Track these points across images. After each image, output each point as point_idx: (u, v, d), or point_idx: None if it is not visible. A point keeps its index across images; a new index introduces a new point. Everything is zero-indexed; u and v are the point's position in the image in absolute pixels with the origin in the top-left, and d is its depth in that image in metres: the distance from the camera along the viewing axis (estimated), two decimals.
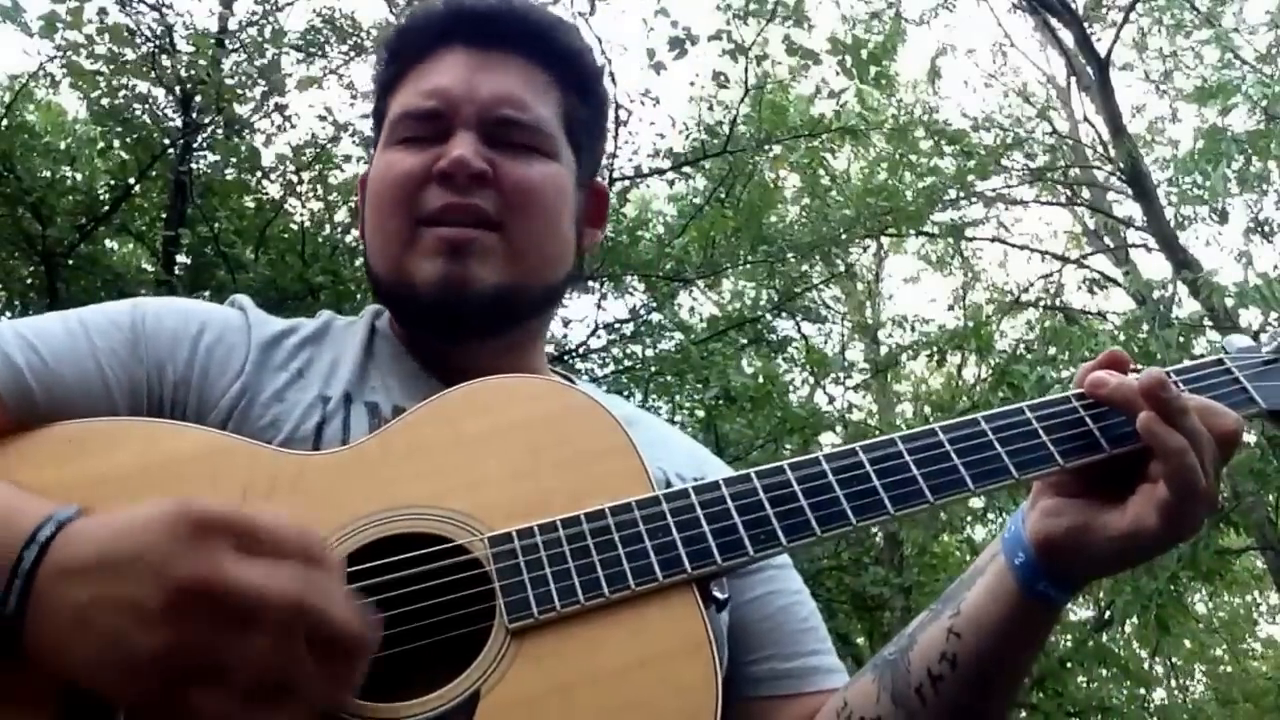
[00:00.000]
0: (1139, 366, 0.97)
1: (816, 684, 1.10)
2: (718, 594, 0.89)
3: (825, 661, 1.13)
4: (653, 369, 8.55)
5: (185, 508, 0.73)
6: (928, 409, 12.06)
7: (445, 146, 1.08)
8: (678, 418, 9.08)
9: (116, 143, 7.19)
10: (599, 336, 8.34)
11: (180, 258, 7.19)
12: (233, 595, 0.70)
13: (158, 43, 6.90)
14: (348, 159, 7.86)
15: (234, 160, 7.12)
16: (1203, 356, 1.04)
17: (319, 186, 7.61)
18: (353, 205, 7.77)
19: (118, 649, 0.71)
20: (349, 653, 0.74)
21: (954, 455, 0.93)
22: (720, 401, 8.22)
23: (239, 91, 6.80)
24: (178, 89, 6.80)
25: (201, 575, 0.70)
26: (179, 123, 7.00)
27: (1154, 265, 12.62)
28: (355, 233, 8.22)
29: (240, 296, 1.17)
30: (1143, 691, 14.15)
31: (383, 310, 1.19)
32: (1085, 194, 13.26)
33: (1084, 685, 11.78)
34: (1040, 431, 0.94)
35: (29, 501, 0.80)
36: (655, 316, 9.17)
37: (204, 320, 1.07)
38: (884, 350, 13.04)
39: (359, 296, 6.73)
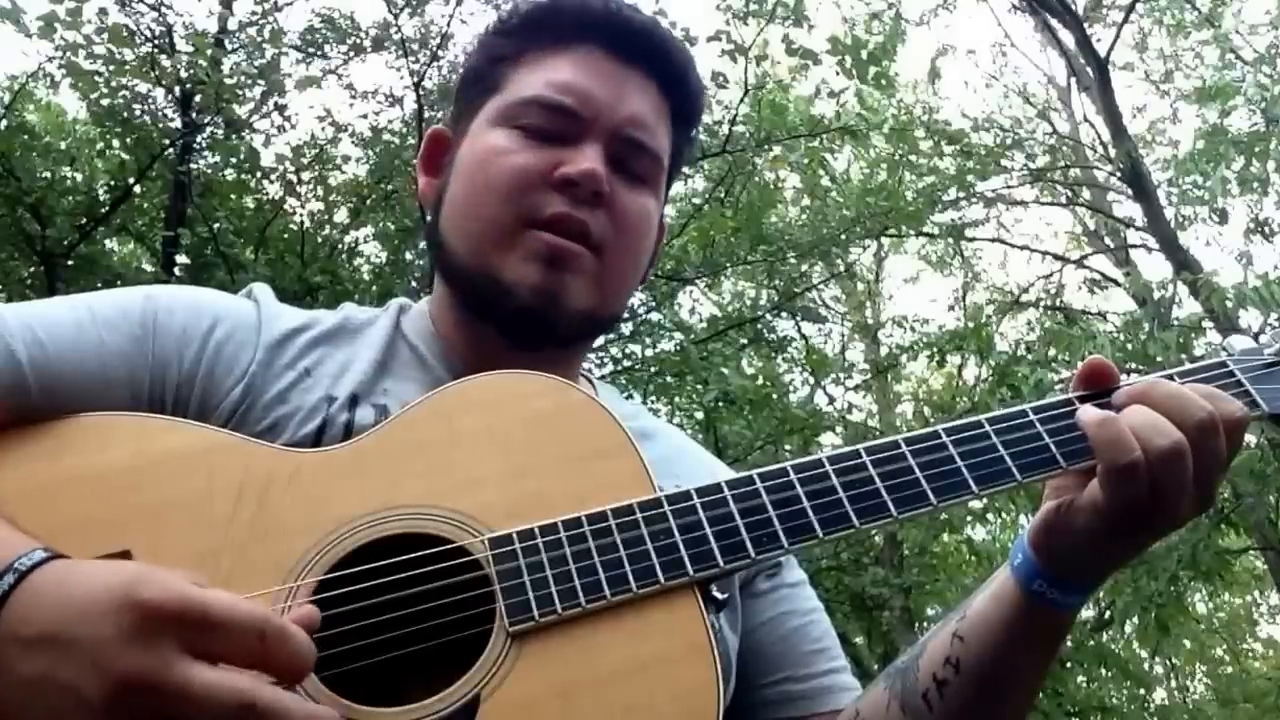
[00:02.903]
0: (1136, 367, 0.96)
1: (830, 703, 1.09)
2: (718, 595, 0.89)
3: (839, 680, 1.12)
4: (652, 369, 8.55)
5: (133, 595, 0.69)
6: (928, 409, 12.06)
7: (572, 152, 1.04)
8: (676, 418, 9.08)
9: (116, 143, 7.20)
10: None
11: (180, 258, 7.18)
12: (175, 698, 0.67)
13: (157, 43, 6.90)
14: (347, 159, 7.87)
15: (233, 160, 7.13)
16: (1203, 357, 1.03)
17: (318, 186, 7.61)
18: (352, 205, 7.77)
19: None
20: None
21: (957, 458, 0.92)
22: (719, 403, 8.22)
23: (239, 91, 6.80)
24: (177, 89, 6.81)
25: (144, 673, 0.67)
26: (179, 123, 7.00)
27: (1154, 266, 12.65)
28: (355, 233, 8.23)
29: (257, 286, 1.13)
30: (1143, 692, 14.15)
31: (408, 307, 1.16)
32: (1085, 194, 13.25)
33: (1084, 685, 11.79)
34: (1044, 434, 0.93)
35: None
36: (655, 316, 9.16)
37: (216, 315, 1.04)
38: (884, 350, 13.04)
39: (357, 297, 6.72)
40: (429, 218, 1.14)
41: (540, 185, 1.04)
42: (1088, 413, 0.90)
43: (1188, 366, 1.00)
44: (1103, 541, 0.89)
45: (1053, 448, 0.93)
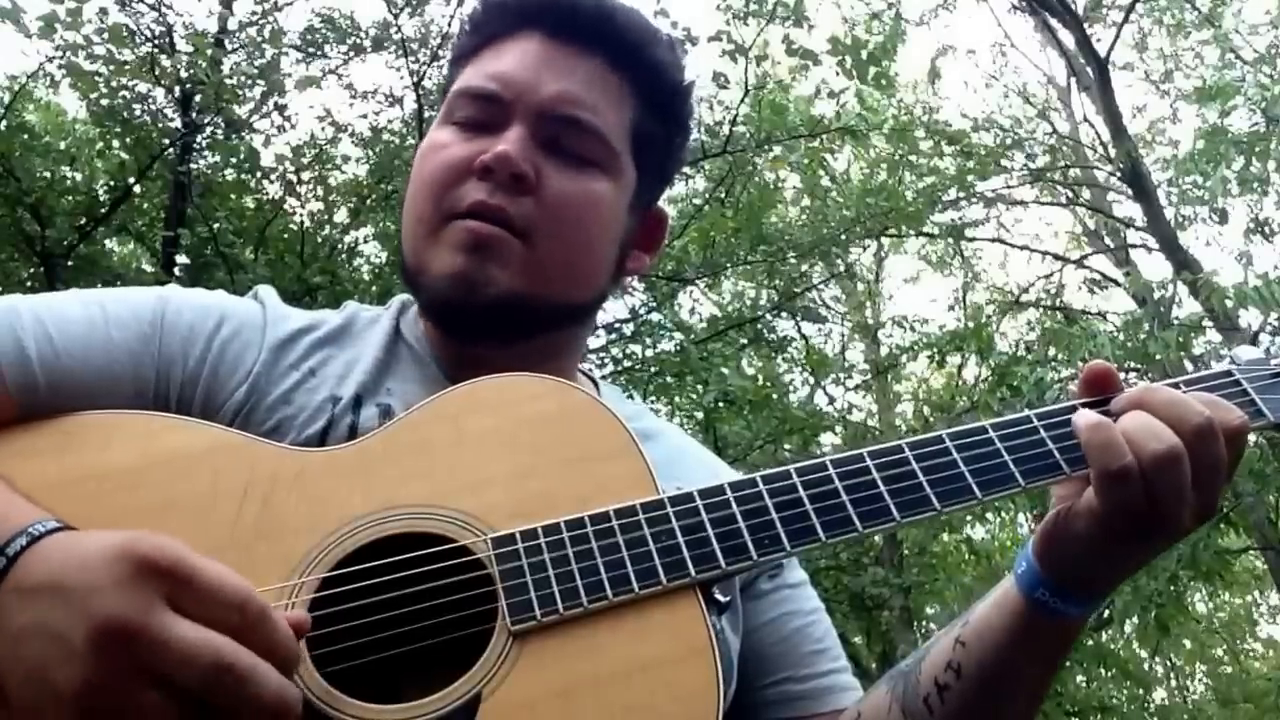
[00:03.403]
0: (1137, 367, 0.97)
1: (830, 703, 1.09)
2: (720, 596, 0.89)
3: (839, 680, 1.12)
4: (652, 370, 8.55)
5: (131, 547, 0.71)
6: (928, 409, 12.07)
7: (495, 139, 1.03)
8: (676, 419, 9.08)
9: (116, 143, 7.20)
10: (598, 336, 8.34)
11: (180, 258, 7.19)
12: (155, 647, 0.68)
13: (157, 43, 6.90)
14: (347, 159, 7.87)
15: (233, 160, 7.13)
16: (1203, 357, 1.03)
17: (318, 187, 7.61)
18: (352, 205, 7.78)
19: (37, 680, 0.70)
20: None
21: (961, 462, 0.92)
22: (719, 403, 8.22)
23: (238, 92, 6.80)
24: (177, 89, 6.81)
25: (126, 619, 0.68)
26: (178, 123, 7.00)
27: (1154, 266, 12.64)
28: (354, 233, 8.23)
29: (262, 288, 1.13)
30: (1143, 692, 14.16)
31: (409, 305, 1.16)
32: (1085, 194, 13.25)
33: (1084, 685, 11.80)
34: (1048, 439, 0.93)
35: (12, 508, 0.79)
36: (655, 316, 9.17)
37: (222, 315, 1.04)
38: (884, 350, 13.04)
39: (357, 297, 6.72)
40: None
41: (464, 176, 1.03)
42: (1082, 417, 0.90)
43: (1193, 375, 1.00)
44: (1101, 548, 0.88)
45: (1056, 454, 0.92)
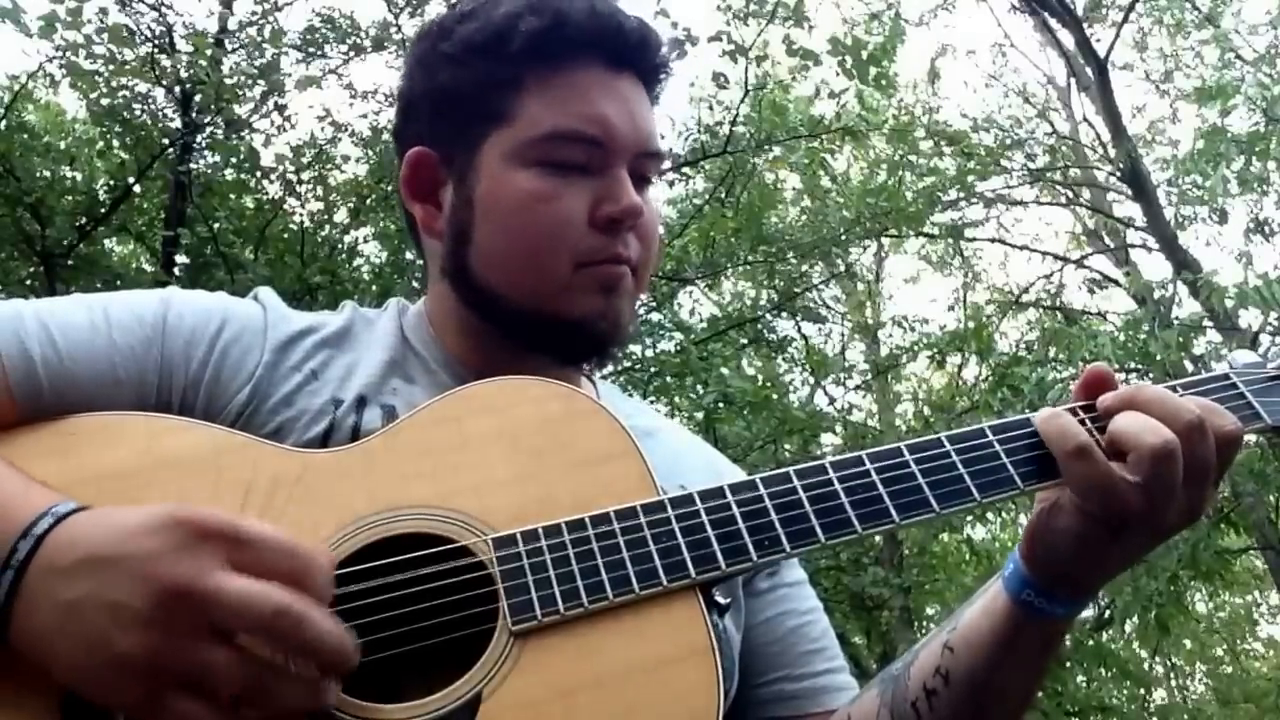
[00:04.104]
0: (1138, 367, 0.97)
1: (825, 703, 1.10)
2: (720, 599, 0.89)
3: (835, 680, 1.12)
4: (652, 370, 8.55)
5: (178, 512, 0.74)
6: (928, 410, 12.07)
7: (602, 184, 1.04)
8: (676, 419, 9.08)
9: (116, 143, 7.20)
10: None
11: (180, 258, 7.19)
12: (217, 604, 0.71)
13: (157, 43, 6.90)
14: (347, 159, 7.87)
15: (233, 160, 7.13)
16: (1203, 358, 1.04)
17: (318, 186, 7.61)
18: (352, 205, 7.77)
19: (100, 650, 0.71)
20: (329, 665, 0.75)
21: (960, 465, 0.92)
22: (719, 404, 8.22)
23: (238, 91, 6.80)
24: (177, 89, 6.81)
25: (187, 580, 0.71)
26: (178, 123, 6.99)
27: (1154, 265, 12.64)
28: (354, 233, 8.23)
29: (263, 290, 1.13)
30: (1143, 691, 14.16)
31: (407, 308, 1.17)
32: (1085, 194, 13.26)
33: (1084, 685, 11.79)
34: (1043, 443, 0.93)
35: (31, 492, 0.80)
36: (655, 316, 9.17)
37: (224, 318, 1.04)
38: (884, 350, 13.05)
39: (357, 297, 6.72)
40: (444, 247, 1.11)
41: (586, 227, 1.04)
42: (1041, 412, 0.92)
43: (1190, 379, 1.00)
44: (1084, 543, 0.89)
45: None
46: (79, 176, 7.63)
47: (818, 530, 0.89)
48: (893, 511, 0.90)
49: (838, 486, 0.91)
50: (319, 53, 7.43)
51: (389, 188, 7.39)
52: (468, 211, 1.07)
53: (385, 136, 7.48)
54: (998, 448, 0.93)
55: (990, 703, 0.96)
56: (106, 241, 8.04)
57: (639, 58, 1.10)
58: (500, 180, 1.05)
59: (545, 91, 1.05)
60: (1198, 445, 0.87)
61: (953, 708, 0.95)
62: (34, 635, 0.74)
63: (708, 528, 0.89)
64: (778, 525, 0.89)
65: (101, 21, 6.36)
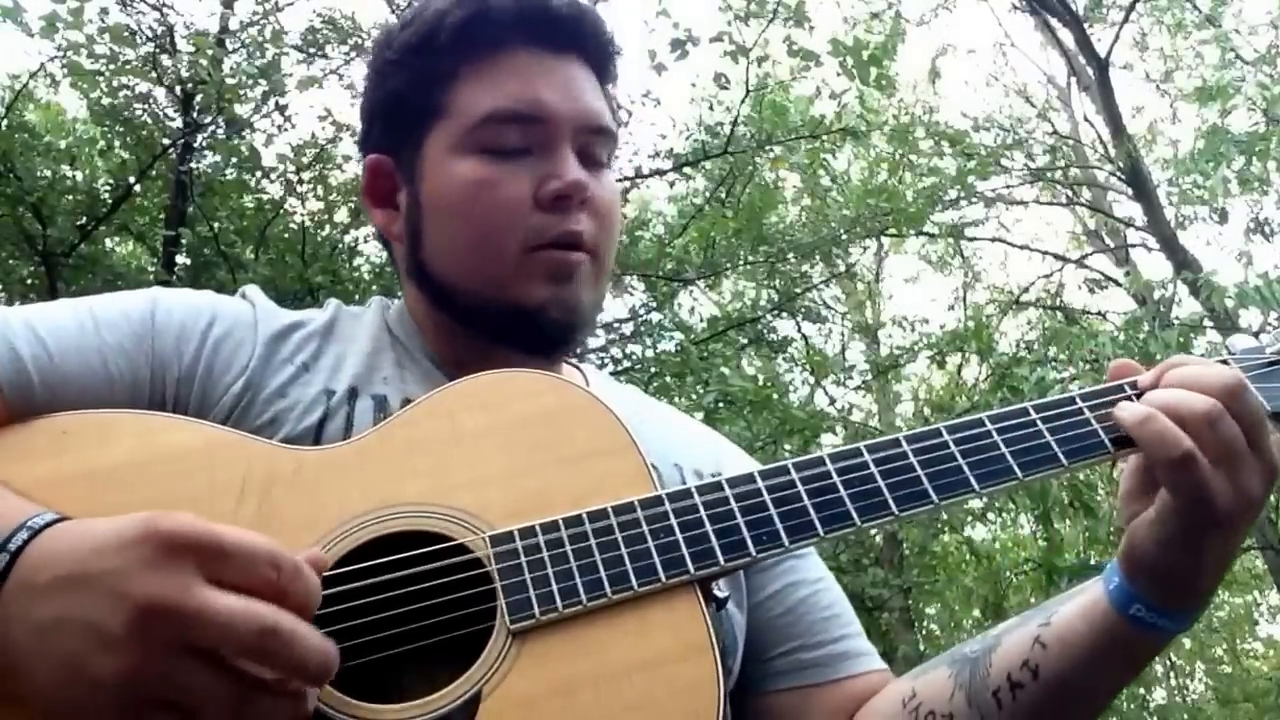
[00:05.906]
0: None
1: (849, 669, 1.09)
2: (717, 593, 0.89)
3: (855, 645, 1.11)
4: (652, 370, 8.54)
5: (153, 526, 0.70)
6: (928, 409, 12.05)
7: (545, 163, 1.04)
8: None
9: (117, 143, 7.20)
10: (597, 336, 8.33)
11: (180, 258, 7.18)
12: (199, 624, 0.68)
13: (158, 43, 6.89)
14: (347, 159, 7.86)
15: (234, 160, 7.11)
16: (1204, 356, 1.03)
17: (319, 186, 7.60)
18: (352, 205, 7.77)
19: (77, 672, 0.68)
20: (313, 680, 0.73)
21: (959, 455, 0.92)
22: (719, 404, 8.21)
23: (239, 91, 6.79)
24: (178, 89, 6.80)
25: (164, 599, 0.68)
26: (179, 122, 6.99)
27: (1154, 265, 12.63)
28: (355, 232, 8.23)
29: (250, 288, 1.14)
30: (1142, 691, 14.15)
31: (390, 304, 1.17)
32: (1085, 194, 13.26)
33: None
34: (1045, 432, 0.93)
35: (4, 504, 0.79)
36: (655, 316, 9.16)
37: (214, 313, 1.05)
38: (884, 350, 13.03)
39: (358, 296, 6.72)
40: (404, 248, 1.12)
41: (531, 208, 1.04)
42: (1126, 410, 0.89)
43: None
44: (1188, 545, 0.86)
45: (1054, 445, 0.93)
46: (80, 176, 7.62)
47: (816, 524, 0.89)
48: (891, 503, 0.90)
49: (836, 479, 0.91)
50: (320, 53, 7.43)
51: None
52: (418, 210, 1.09)
53: None
54: (996, 437, 0.93)
55: (1077, 704, 0.95)
56: (107, 241, 8.04)
57: (576, 38, 1.09)
58: (442, 172, 1.06)
59: (478, 79, 1.06)
60: (1245, 401, 0.87)
61: (1038, 705, 0.94)
62: (9, 654, 0.71)
63: (706, 523, 0.88)
64: (776, 519, 0.89)
65: (102, 21, 6.35)
